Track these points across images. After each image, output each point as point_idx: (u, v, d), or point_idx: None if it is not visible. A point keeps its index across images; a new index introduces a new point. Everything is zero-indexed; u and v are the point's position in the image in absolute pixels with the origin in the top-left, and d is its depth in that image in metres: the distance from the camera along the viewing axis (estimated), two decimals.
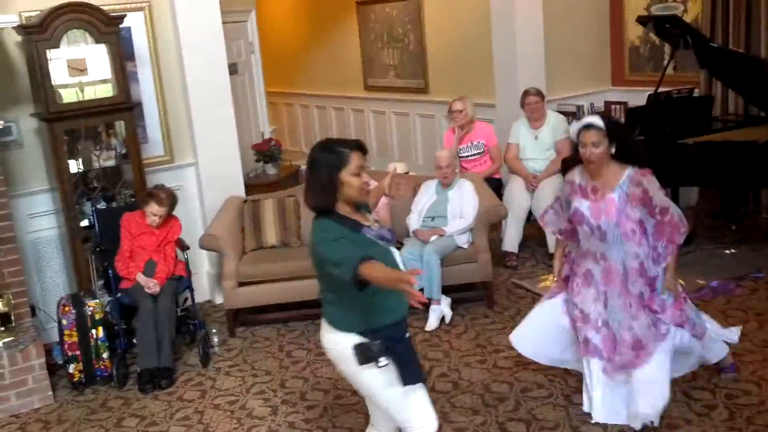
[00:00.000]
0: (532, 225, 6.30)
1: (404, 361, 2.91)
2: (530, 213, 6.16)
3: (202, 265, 6.00)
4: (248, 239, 5.60)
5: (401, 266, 2.93)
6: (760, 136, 5.48)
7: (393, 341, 2.87)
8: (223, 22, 5.84)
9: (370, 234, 2.89)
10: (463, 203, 5.39)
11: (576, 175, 3.76)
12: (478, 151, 6.36)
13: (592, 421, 3.81)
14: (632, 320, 3.65)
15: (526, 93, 6.26)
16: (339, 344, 2.89)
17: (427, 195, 5.51)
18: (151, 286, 4.84)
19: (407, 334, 3.00)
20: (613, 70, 7.68)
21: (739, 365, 4.11)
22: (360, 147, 2.89)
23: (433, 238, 5.23)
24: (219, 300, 5.88)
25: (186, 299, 5.23)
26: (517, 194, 6.14)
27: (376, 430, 3.21)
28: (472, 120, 6.35)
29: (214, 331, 5.29)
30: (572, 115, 7.05)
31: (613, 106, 7.36)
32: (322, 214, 2.89)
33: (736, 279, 5.28)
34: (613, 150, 3.56)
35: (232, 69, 6.75)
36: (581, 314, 3.78)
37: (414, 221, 5.45)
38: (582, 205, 3.67)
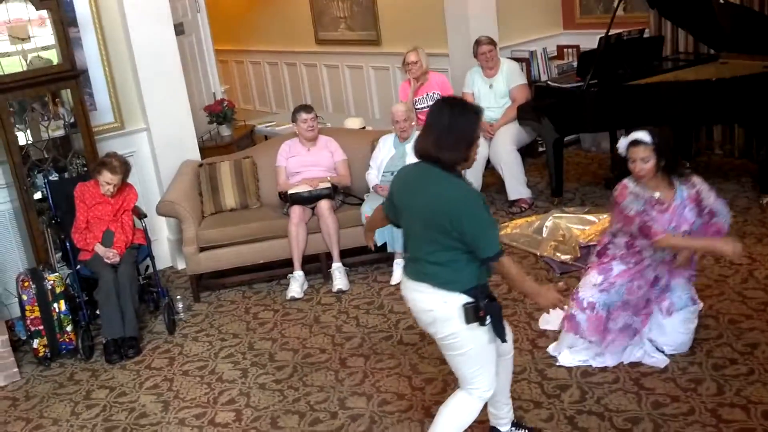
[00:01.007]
0: (490, 173, 6.33)
1: (500, 317, 2.96)
2: (488, 161, 6.18)
3: (161, 231, 5.93)
4: (206, 203, 5.54)
5: None
6: (711, 74, 5.54)
7: (491, 299, 2.94)
8: None
9: None
10: None
11: (631, 185, 3.71)
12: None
13: (558, 364, 3.90)
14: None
15: (478, 42, 6.21)
16: (445, 304, 2.89)
17: (385, 149, 5.48)
18: (110, 256, 4.77)
19: None
20: (564, 13, 7.66)
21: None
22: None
23: None
24: (181, 266, 5.83)
25: (147, 267, 5.18)
26: None
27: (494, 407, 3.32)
28: (427, 71, 6.30)
29: (178, 297, 5.25)
30: (526, 61, 7.06)
31: (565, 50, 7.37)
32: (446, 169, 2.88)
33: None
34: (663, 164, 3.59)
35: (179, 29, 6.58)
36: (575, 294, 3.87)
37: (373, 176, 5.43)
38: (651, 215, 3.67)
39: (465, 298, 2.88)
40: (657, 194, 3.63)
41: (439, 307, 2.91)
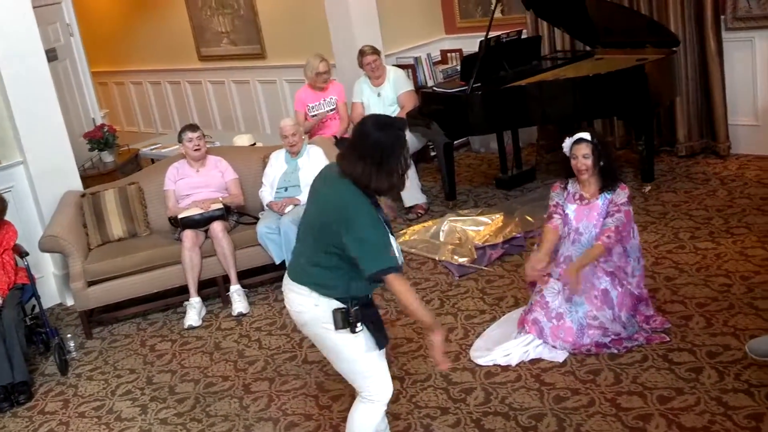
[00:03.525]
0: None
1: (378, 325, 2.93)
2: None
3: (46, 267, 5.67)
4: (92, 235, 5.32)
5: (397, 253, 2.85)
6: (588, 71, 5.72)
7: (366, 307, 2.89)
8: (34, 6, 5.48)
9: (383, 216, 2.88)
10: (315, 169, 5.29)
11: (569, 184, 3.99)
12: (331, 107, 6.32)
13: (481, 363, 3.93)
14: (597, 311, 3.85)
15: (362, 53, 6.22)
16: (316, 307, 2.84)
17: (277, 165, 5.40)
18: None
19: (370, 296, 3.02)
20: (444, 18, 7.77)
21: None
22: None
23: (289, 208, 5.16)
24: (70, 302, 5.58)
25: (33, 307, 4.93)
26: None
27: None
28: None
29: (69, 335, 5.02)
30: (411, 68, 7.11)
31: (449, 54, 7.47)
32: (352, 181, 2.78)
33: None
34: (601, 164, 3.83)
35: (51, 55, 6.32)
36: (541, 299, 3.94)
37: (267, 194, 5.34)
38: (568, 208, 3.95)
39: (336, 303, 2.84)
40: (583, 192, 3.92)
41: (309, 310, 2.88)
